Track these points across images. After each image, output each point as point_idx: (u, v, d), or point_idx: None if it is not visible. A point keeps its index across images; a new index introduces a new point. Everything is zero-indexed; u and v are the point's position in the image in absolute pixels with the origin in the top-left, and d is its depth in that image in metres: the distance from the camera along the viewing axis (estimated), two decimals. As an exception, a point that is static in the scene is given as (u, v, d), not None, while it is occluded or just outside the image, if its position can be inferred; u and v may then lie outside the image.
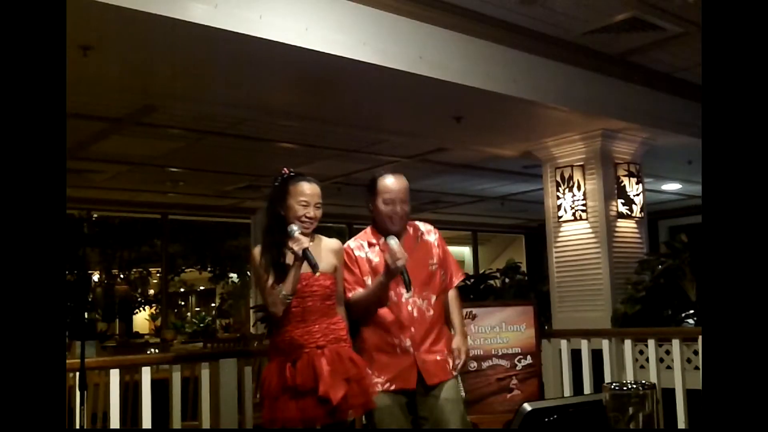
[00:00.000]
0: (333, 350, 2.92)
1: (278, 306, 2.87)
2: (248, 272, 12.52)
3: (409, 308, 3.08)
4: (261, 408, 3.01)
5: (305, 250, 2.83)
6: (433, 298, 3.14)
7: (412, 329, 3.06)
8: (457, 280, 3.32)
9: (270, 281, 2.89)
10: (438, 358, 3.08)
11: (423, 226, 3.30)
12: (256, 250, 3.00)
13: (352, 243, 3.20)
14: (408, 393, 3.04)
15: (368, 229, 3.22)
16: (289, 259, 2.90)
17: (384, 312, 3.07)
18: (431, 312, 3.12)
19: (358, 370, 2.96)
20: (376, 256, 3.11)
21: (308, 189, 2.97)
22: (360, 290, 3.08)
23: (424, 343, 3.07)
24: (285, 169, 3.07)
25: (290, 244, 2.87)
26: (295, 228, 2.90)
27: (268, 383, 2.93)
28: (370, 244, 3.15)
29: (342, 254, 3.12)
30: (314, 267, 2.85)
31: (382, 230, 3.14)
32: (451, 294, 3.28)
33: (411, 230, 3.23)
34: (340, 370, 2.88)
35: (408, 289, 3.00)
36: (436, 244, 3.25)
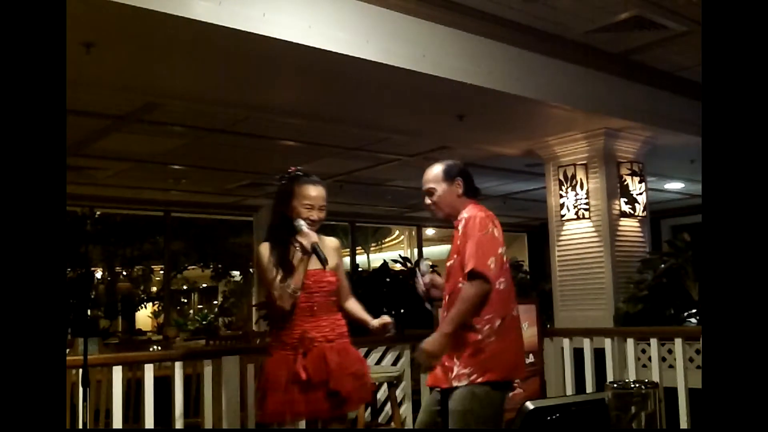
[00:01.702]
0: (341, 345, 2.97)
1: (286, 300, 2.89)
2: (251, 269, 12.50)
3: (439, 309, 3.03)
4: (261, 402, 2.96)
5: (314, 245, 2.89)
6: (446, 298, 2.90)
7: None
8: (467, 269, 2.73)
9: (279, 277, 2.91)
10: (445, 363, 2.81)
11: (465, 212, 2.88)
12: (263, 247, 3.00)
13: None
14: (441, 390, 2.85)
15: None
16: (296, 254, 2.92)
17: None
18: (445, 313, 2.89)
19: (361, 366, 3.02)
20: None
21: (313, 192, 3.00)
22: None
23: None
24: (292, 167, 3.08)
25: (299, 238, 2.92)
26: (302, 223, 2.94)
27: (274, 376, 2.91)
28: None
29: (340, 252, 3.18)
30: (323, 261, 2.89)
31: None
32: (462, 287, 2.78)
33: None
34: (347, 365, 2.93)
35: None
36: (460, 233, 2.83)
